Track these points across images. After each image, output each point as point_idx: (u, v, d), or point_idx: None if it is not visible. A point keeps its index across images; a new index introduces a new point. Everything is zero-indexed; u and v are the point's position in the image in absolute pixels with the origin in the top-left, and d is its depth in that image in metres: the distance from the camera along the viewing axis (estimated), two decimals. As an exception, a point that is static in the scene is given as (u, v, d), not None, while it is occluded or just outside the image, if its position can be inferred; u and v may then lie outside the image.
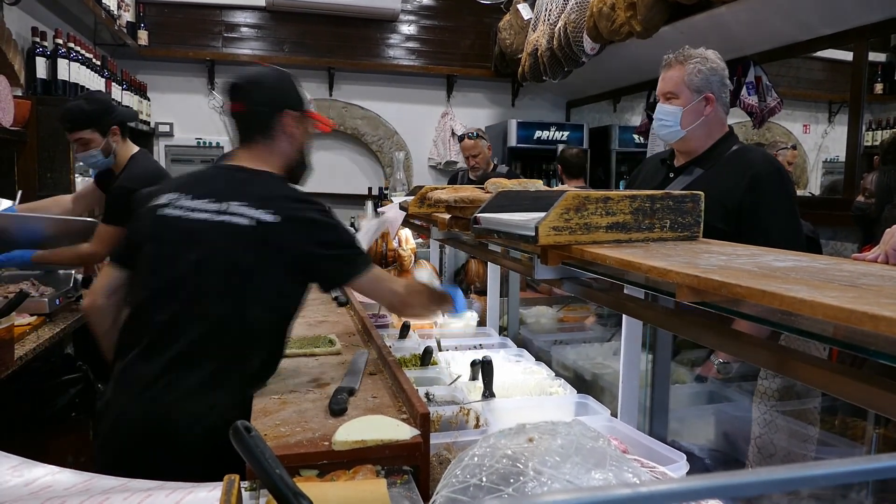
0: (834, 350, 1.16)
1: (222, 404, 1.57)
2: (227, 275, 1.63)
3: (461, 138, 4.57)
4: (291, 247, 1.65)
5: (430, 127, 6.67)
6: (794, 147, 5.65)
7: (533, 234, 1.23)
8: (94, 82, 4.08)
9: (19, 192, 3.11)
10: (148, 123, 5.70)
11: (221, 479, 1.02)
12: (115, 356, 1.70)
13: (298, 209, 1.69)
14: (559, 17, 4.68)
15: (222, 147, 5.77)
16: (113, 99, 3.74)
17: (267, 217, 1.63)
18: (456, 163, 6.46)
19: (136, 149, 2.96)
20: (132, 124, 4.11)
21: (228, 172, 1.78)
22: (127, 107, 3.97)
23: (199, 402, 1.57)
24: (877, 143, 6.45)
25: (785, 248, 1.36)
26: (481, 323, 2.81)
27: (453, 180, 4.95)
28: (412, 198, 2.32)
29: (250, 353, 1.67)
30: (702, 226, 1.36)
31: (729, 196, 1.98)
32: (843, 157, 4.34)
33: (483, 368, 1.89)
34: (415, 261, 3.68)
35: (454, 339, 2.54)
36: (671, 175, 2.25)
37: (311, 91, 6.58)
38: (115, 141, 2.84)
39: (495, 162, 4.97)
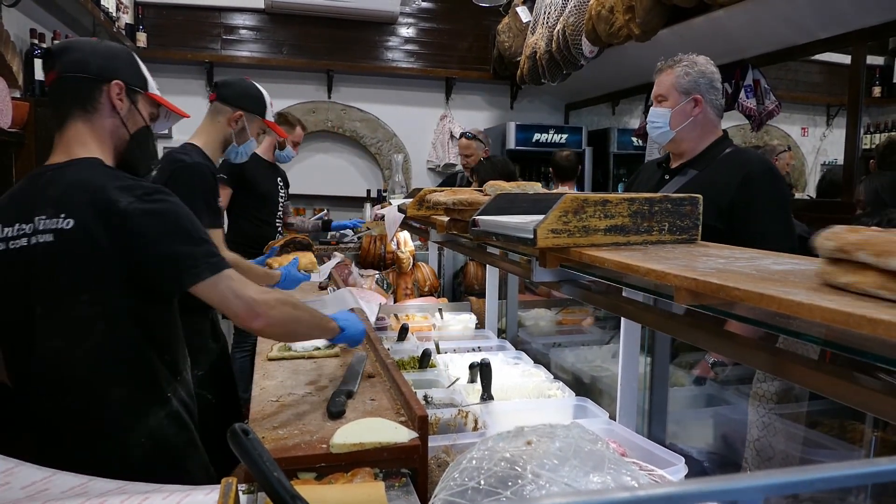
0: (827, 353, 1.16)
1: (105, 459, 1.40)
2: (51, 308, 1.39)
3: (460, 136, 4.85)
4: (102, 253, 1.36)
5: (429, 129, 6.67)
6: (788, 148, 5.69)
7: (531, 236, 1.23)
8: (92, 84, 4.07)
9: None
10: (146, 125, 5.68)
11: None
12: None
13: (100, 202, 1.36)
14: (558, 19, 4.69)
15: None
16: None
17: (62, 224, 1.36)
18: (454, 165, 6.46)
19: None
20: None
21: (34, 178, 1.47)
22: None
23: (82, 454, 1.41)
24: (875, 147, 6.47)
25: (777, 245, 1.37)
26: (480, 325, 2.81)
27: (450, 182, 4.99)
28: (411, 200, 2.32)
29: (114, 395, 1.44)
30: (700, 228, 1.36)
31: (722, 194, 2.00)
32: (841, 160, 4.34)
33: (482, 371, 1.89)
34: (413, 264, 3.68)
35: (453, 342, 2.54)
36: (666, 177, 2.28)
37: (310, 93, 6.63)
38: None
39: None
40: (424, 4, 6.53)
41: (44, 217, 1.38)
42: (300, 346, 2.02)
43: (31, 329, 1.41)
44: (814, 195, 6.82)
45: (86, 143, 1.48)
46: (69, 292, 1.39)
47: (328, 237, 4.90)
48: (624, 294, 1.40)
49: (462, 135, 4.76)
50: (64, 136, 1.49)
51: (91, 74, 1.49)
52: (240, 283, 1.43)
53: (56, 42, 1.48)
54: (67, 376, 1.42)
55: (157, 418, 1.48)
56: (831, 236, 0.79)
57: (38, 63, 3.63)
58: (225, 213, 3.25)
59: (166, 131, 5.97)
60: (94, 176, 1.42)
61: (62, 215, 1.36)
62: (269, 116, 2.62)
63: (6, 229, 1.42)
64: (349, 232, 4.89)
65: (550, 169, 5.02)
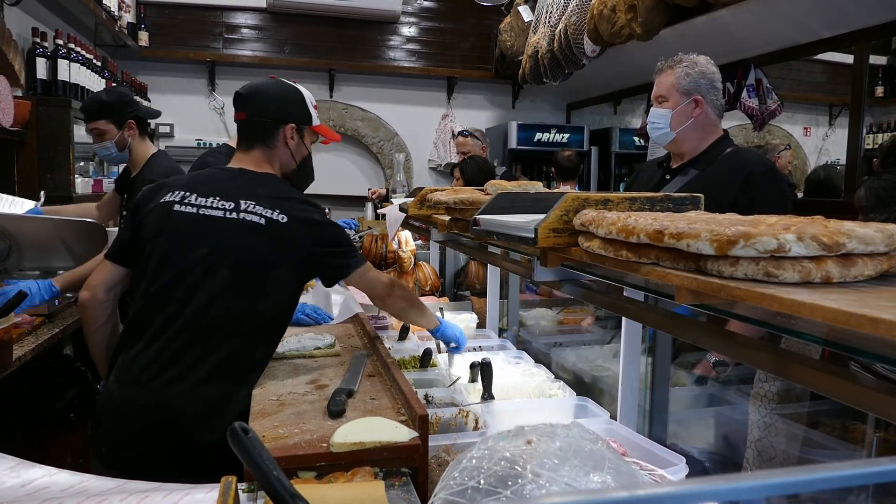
0: (826, 351, 1.16)
1: (228, 393, 1.65)
2: (239, 269, 1.72)
3: (457, 134, 5.13)
4: (299, 246, 1.77)
5: (431, 128, 6.67)
6: (788, 147, 5.69)
7: (532, 235, 1.22)
8: (94, 83, 4.08)
9: (42, 193, 3.08)
10: (149, 124, 5.69)
11: (219, 476, 1.02)
12: (118, 350, 1.74)
13: (304, 211, 1.80)
14: (560, 19, 4.69)
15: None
16: (136, 96, 3.67)
17: (277, 217, 1.75)
18: (456, 164, 6.48)
19: (155, 148, 3.00)
20: (151, 126, 4.03)
21: (234, 173, 1.86)
22: (149, 106, 3.86)
23: (207, 390, 1.63)
24: (878, 146, 6.45)
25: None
26: (481, 325, 2.81)
27: None
28: (412, 199, 2.32)
29: (255, 345, 1.74)
30: (701, 228, 1.35)
31: (723, 195, 2.00)
32: (843, 160, 4.34)
33: (482, 370, 1.89)
34: (414, 263, 3.68)
35: (454, 341, 2.53)
36: (667, 177, 2.28)
37: (312, 92, 6.53)
38: (131, 135, 2.85)
39: (494, 163, 5.12)
40: (426, 3, 6.53)
41: (256, 204, 1.75)
42: (300, 345, 2.03)
43: (198, 280, 1.69)
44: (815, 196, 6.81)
45: (264, 163, 1.89)
46: (264, 264, 1.73)
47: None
48: (625, 293, 1.40)
49: (459, 133, 4.99)
50: (249, 155, 1.89)
51: (270, 118, 1.88)
52: (376, 271, 1.94)
53: (249, 84, 1.96)
54: (226, 325, 1.69)
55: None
56: (580, 216, 1.15)
57: (39, 62, 3.63)
58: None
59: (168, 130, 5.99)
60: (291, 191, 1.87)
61: (278, 210, 1.75)
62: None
63: (201, 199, 1.77)
64: (350, 232, 4.89)
65: (552, 168, 5.08)
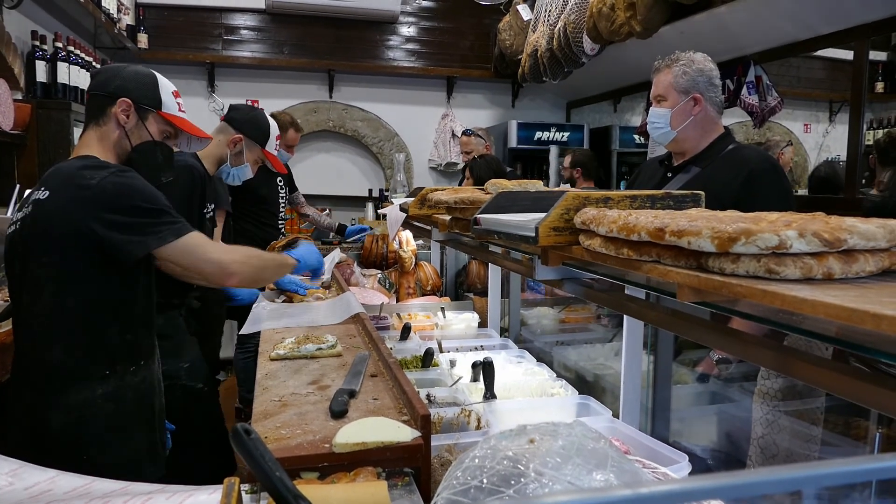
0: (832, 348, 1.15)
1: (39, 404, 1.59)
2: (19, 268, 1.61)
3: (461, 133, 5.34)
4: (60, 222, 1.52)
5: (431, 128, 6.67)
6: (790, 143, 5.69)
7: (533, 234, 1.22)
8: (94, 85, 4.09)
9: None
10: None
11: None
12: None
13: (73, 178, 1.54)
14: (559, 17, 4.68)
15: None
16: None
17: (39, 195, 1.55)
18: (456, 164, 6.47)
19: None
20: None
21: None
22: None
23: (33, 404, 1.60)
24: (875, 142, 6.45)
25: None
26: (482, 324, 2.81)
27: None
28: (412, 199, 2.32)
29: (49, 348, 1.59)
30: (702, 225, 1.35)
31: (726, 192, 2.00)
32: (844, 157, 4.34)
33: (484, 370, 1.89)
34: (415, 263, 3.68)
35: (455, 341, 2.54)
36: (669, 175, 2.28)
37: (312, 93, 6.62)
38: None
39: None
40: (425, 3, 6.53)
41: (35, 190, 1.61)
42: (303, 346, 2.02)
43: (19, 286, 1.62)
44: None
45: (90, 146, 1.71)
46: (25, 255, 1.60)
47: (331, 237, 4.91)
48: (626, 292, 1.40)
49: (463, 132, 5.15)
50: (81, 140, 1.74)
51: (104, 93, 1.73)
52: (203, 244, 1.67)
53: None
54: (28, 336, 1.65)
55: None
56: (580, 214, 1.16)
57: (39, 65, 3.63)
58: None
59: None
60: (79, 162, 1.64)
61: (42, 187, 1.57)
62: (271, 149, 2.75)
63: (19, 212, 1.66)
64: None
65: (577, 169, 5.13)
